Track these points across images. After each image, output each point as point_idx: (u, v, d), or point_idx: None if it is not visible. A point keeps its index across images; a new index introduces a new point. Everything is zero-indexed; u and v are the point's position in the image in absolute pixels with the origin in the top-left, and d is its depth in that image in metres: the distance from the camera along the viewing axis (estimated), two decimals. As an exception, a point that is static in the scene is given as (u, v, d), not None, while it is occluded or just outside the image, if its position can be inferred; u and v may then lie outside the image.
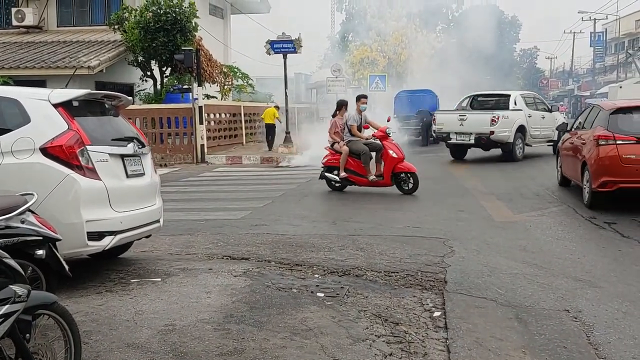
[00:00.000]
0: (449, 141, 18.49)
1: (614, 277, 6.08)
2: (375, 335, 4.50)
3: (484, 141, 17.55)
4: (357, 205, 10.75)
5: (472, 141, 17.73)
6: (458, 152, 18.93)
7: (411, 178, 11.79)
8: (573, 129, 11.88)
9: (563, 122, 18.30)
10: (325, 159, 12.58)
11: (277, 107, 23.21)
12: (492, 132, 17.16)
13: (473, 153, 19.10)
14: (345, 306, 5.11)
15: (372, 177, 11.87)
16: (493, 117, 17.23)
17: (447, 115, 18.90)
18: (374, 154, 12.14)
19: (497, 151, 18.26)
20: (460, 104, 19.86)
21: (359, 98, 12.56)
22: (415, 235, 8.05)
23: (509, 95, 18.64)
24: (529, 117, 18.11)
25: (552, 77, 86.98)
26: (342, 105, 12.95)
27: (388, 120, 12.97)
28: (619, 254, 7.00)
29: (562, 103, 65.15)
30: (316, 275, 6.13)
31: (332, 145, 12.55)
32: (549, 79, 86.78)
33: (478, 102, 19.81)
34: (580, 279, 6.03)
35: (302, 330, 4.50)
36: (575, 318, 4.96)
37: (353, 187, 12.31)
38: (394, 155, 11.67)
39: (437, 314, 5.09)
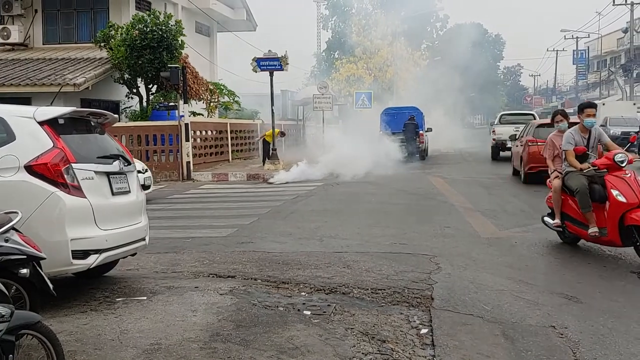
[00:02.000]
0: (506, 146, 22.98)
1: (599, 293, 6.11)
2: (363, 353, 4.48)
3: None
4: (343, 221, 10.75)
5: None
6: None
7: None
8: (518, 138, 18.24)
9: (513, 133, 20.81)
10: (547, 196, 8.95)
11: (282, 134, 23.69)
12: None
13: (460, 171, 19.18)
14: (332, 324, 5.09)
15: (591, 230, 7.60)
16: None
17: (505, 128, 24.68)
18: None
19: (483, 168, 18.39)
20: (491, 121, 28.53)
21: (582, 109, 8.41)
22: (401, 252, 8.05)
23: (532, 114, 27.33)
24: None
25: (536, 94, 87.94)
26: (558, 115, 9.18)
27: (632, 141, 9.60)
28: (603, 270, 7.05)
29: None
30: (303, 293, 6.12)
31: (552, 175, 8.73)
32: (532, 96, 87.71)
33: (505, 118, 26.81)
34: (565, 295, 6.06)
35: (289, 349, 4.48)
36: (561, 334, 4.98)
37: (338, 199, 12.30)
38: (621, 198, 7.32)
39: (424, 331, 5.08)
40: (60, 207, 5.36)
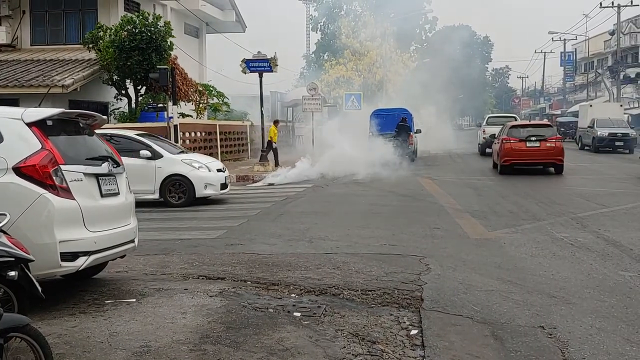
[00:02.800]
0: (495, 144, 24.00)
1: (588, 293, 6.15)
2: (353, 355, 4.49)
3: None
4: (333, 223, 10.76)
5: None
6: None
7: None
8: (497, 137, 22.07)
9: (493, 134, 25.31)
10: None
11: (276, 122, 23.38)
12: None
13: (449, 172, 19.25)
14: (322, 325, 5.09)
15: None
16: None
17: (492, 128, 27.97)
18: None
19: (472, 170, 18.45)
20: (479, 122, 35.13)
21: None
22: (391, 253, 8.07)
23: (514, 116, 32.76)
24: None
25: (524, 96, 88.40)
26: None
27: None
28: (592, 270, 7.10)
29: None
30: (293, 295, 6.11)
31: None
32: (520, 98, 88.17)
33: (492, 120, 31.43)
34: (554, 295, 6.10)
35: (279, 351, 4.47)
36: (550, 334, 5.01)
37: (328, 201, 12.30)
38: None
39: (414, 332, 5.10)
40: (49, 209, 5.33)
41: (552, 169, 19.72)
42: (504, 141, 19.59)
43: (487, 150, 27.59)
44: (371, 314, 5.51)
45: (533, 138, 19.49)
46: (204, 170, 13.88)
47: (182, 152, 14.58)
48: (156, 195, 13.62)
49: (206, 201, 14.51)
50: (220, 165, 14.57)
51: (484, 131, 30.12)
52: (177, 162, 13.85)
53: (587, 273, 6.96)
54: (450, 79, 52.21)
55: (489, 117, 33.13)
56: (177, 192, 13.66)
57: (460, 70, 57.39)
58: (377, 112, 28.94)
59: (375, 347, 4.68)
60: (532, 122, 37.57)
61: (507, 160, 19.39)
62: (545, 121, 37.65)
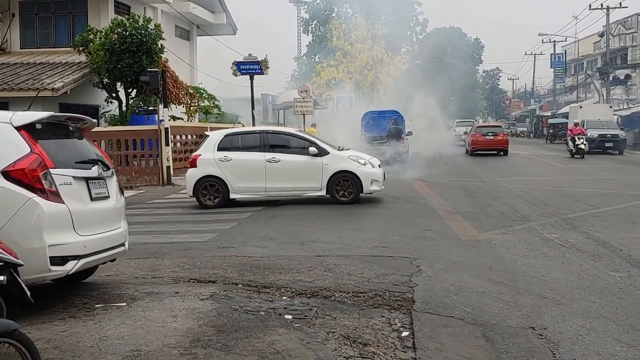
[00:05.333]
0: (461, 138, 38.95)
1: (578, 294, 6.18)
2: (344, 357, 4.48)
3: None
4: (324, 226, 10.76)
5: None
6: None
7: None
8: (467, 134, 34.92)
9: (465, 130, 39.31)
10: None
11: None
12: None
13: (440, 174, 19.30)
14: (313, 328, 5.09)
15: None
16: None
17: (461, 128, 43.09)
18: None
19: (463, 172, 18.50)
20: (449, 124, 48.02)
21: None
22: (382, 255, 8.08)
23: (473, 121, 43.77)
24: None
25: (515, 98, 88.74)
26: None
27: None
28: (582, 271, 7.13)
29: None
30: (284, 297, 6.11)
31: None
32: (511, 100, 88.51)
33: (460, 123, 46.78)
34: (544, 296, 6.12)
35: (270, 354, 4.46)
36: (541, 335, 5.02)
37: (320, 203, 12.30)
38: None
39: (405, 333, 5.10)
40: (38, 213, 5.30)
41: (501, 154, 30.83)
42: (472, 136, 32.23)
43: (459, 143, 39.19)
44: (362, 316, 5.51)
45: (490, 133, 31.83)
46: (369, 167, 13.85)
47: (341, 148, 14.57)
48: (323, 192, 13.67)
49: (195, 203, 14.47)
50: (378, 161, 14.51)
51: (454, 130, 44.66)
52: (344, 158, 13.87)
53: (578, 274, 6.99)
54: (441, 80, 52.41)
55: (457, 121, 48.84)
56: (344, 188, 13.62)
57: (451, 72, 57.58)
58: (368, 114, 29.00)
59: (366, 349, 4.68)
60: (489, 123, 50.50)
61: (475, 148, 31.53)
62: (497, 123, 51.06)
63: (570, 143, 29.22)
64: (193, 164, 13.99)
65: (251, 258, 8.05)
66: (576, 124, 30.58)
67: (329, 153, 13.77)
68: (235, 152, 13.86)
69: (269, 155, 13.67)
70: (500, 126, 36.11)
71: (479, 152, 31.07)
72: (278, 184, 13.70)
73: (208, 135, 14.68)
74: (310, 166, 13.60)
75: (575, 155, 28.38)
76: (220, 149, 13.88)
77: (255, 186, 13.74)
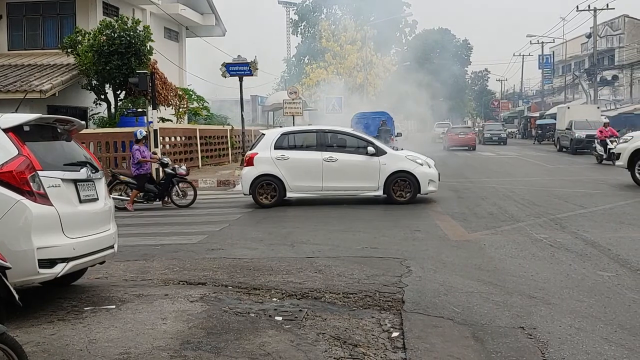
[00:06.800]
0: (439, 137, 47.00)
1: (567, 294, 6.21)
2: (334, 358, 4.48)
3: None
4: (314, 227, 10.76)
5: None
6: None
7: None
8: (444, 134, 45.27)
9: (439, 132, 50.15)
10: None
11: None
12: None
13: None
14: (303, 329, 5.09)
15: None
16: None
17: (439, 129, 52.59)
18: None
19: (451, 173, 18.52)
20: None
21: None
22: (372, 256, 8.09)
23: (449, 123, 55.63)
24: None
25: (503, 99, 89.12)
26: None
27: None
28: (571, 270, 7.16)
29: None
30: (274, 299, 6.10)
31: None
32: (499, 101, 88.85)
33: (439, 124, 57.04)
34: (534, 296, 6.15)
35: (261, 355, 4.46)
36: (530, 335, 5.04)
37: (310, 205, 12.29)
38: None
39: (395, 334, 5.11)
40: (26, 215, 5.27)
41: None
42: (449, 135, 41.92)
43: (438, 140, 47.18)
44: (353, 316, 5.52)
45: (461, 133, 41.34)
46: (426, 167, 13.82)
47: (394, 148, 14.48)
48: (379, 192, 13.65)
49: (187, 205, 14.44)
50: (433, 161, 14.47)
51: (434, 130, 53.79)
52: (402, 158, 13.86)
53: (566, 273, 7.03)
54: (430, 82, 52.64)
55: (437, 123, 57.90)
56: (402, 189, 13.58)
57: (440, 74, 57.81)
58: (358, 116, 29.06)
59: (356, 350, 4.68)
60: (461, 125, 58.08)
61: (450, 144, 39.96)
62: (467, 125, 64.19)
63: (599, 147, 25.05)
64: (250, 163, 13.93)
65: (241, 260, 8.03)
66: (606, 125, 27.01)
67: (386, 153, 13.78)
68: (292, 151, 13.87)
69: (326, 155, 13.70)
70: (470, 127, 50.57)
71: (453, 148, 39.30)
72: (335, 184, 13.71)
73: (264, 134, 14.63)
74: (368, 166, 13.59)
75: (606, 161, 23.80)
76: (276, 147, 13.86)
77: (312, 185, 13.74)
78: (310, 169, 13.65)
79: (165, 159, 15.25)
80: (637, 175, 15.63)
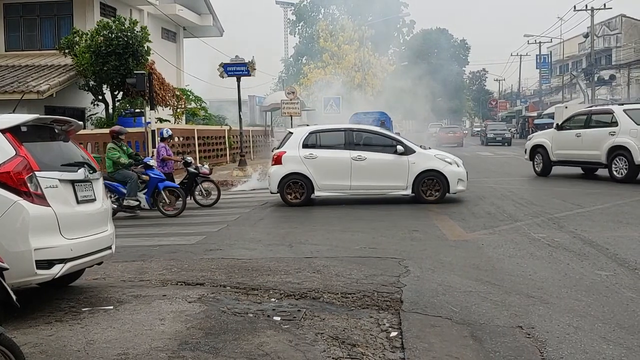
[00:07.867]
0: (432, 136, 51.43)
1: (565, 293, 6.21)
2: (333, 358, 4.48)
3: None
4: (312, 227, 10.76)
5: None
6: None
7: None
8: (436, 133, 53.06)
9: (431, 132, 55.56)
10: None
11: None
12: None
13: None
14: (302, 329, 5.08)
15: None
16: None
17: (432, 129, 58.25)
18: None
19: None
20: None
21: None
22: (371, 256, 8.08)
23: (441, 124, 68.24)
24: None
25: (501, 99, 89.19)
26: None
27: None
28: (569, 270, 7.17)
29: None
30: (272, 299, 6.10)
31: None
32: (497, 100, 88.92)
33: (432, 125, 62.41)
34: (532, 295, 6.15)
35: (259, 356, 4.45)
36: (529, 334, 5.05)
37: (305, 207, 12.29)
38: None
39: (393, 334, 5.10)
40: (24, 216, 5.26)
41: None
42: (440, 133, 48.84)
43: (431, 138, 48.40)
44: (351, 316, 5.52)
45: (450, 132, 49.24)
46: (455, 166, 13.73)
47: (421, 146, 14.44)
48: (408, 192, 13.57)
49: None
50: (461, 160, 14.34)
51: (428, 130, 57.38)
52: (431, 157, 13.76)
53: (564, 273, 7.03)
54: (428, 82, 52.73)
55: (430, 124, 62.72)
56: (431, 188, 13.52)
57: (437, 73, 57.89)
58: (356, 116, 29.04)
59: (355, 350, 4.68)
60: (451, 125, 65.11)
61: (441, 142, 43.96)
62: (455, 125, 64.55)
63: None
64: (278, 161, 13.85)
65: (239, 260, 8.03)
66: None
67: (415, 152, 13.70)
68: (320, 150, 13.81)
69: (355, 153, 13.63)
70: (458, 127, 59.55)
71: (445, 145, 42.51)
72: (363, 182, 13.64)
73: (291, 133, 14.57)
74: (397, 165, 13.52)
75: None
76: (304, 146, 13.82)
77: (340, 184, 13.68)
78: (339, 168, 13.57)
79: (189, 158, 15.12)
80: (536, 167, 19.67)
